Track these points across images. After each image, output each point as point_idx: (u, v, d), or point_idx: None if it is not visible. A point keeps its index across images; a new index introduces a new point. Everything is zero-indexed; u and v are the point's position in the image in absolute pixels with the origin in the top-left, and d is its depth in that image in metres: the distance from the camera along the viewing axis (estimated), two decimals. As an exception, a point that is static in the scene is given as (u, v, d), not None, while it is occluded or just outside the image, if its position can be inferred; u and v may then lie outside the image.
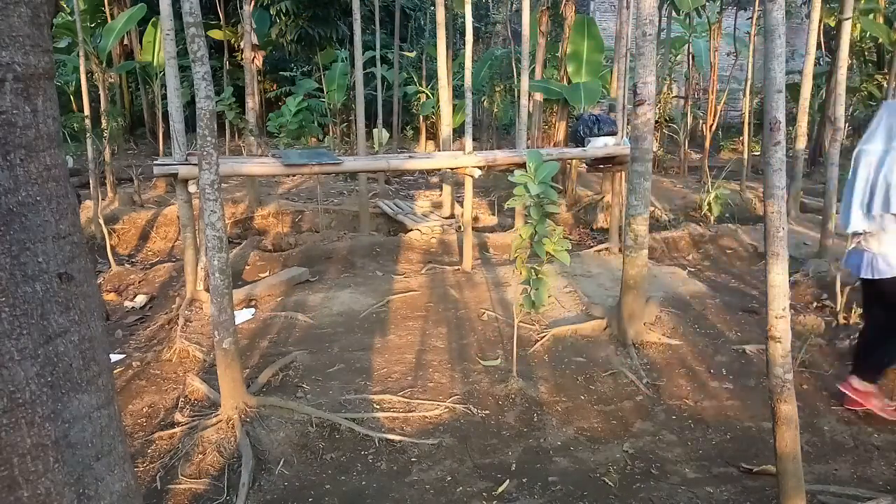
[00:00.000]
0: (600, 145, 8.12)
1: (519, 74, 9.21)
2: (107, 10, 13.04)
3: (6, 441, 1.68)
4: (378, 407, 4.61)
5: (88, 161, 9.06)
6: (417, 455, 4.10)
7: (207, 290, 5.70)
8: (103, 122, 9.93)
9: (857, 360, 4.68)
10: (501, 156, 7.91)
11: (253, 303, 6.70)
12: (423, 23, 21.00)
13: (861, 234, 4.36)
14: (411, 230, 9.41)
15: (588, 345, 5.60)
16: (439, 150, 10.50)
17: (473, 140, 8.32)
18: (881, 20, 12.09)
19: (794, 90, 11.89)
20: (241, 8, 10.88)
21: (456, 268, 7.64)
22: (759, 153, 14.00)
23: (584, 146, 8.20)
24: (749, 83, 12.14)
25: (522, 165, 5.77)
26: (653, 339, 5.63)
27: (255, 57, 10.53)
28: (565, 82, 10.81)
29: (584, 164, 10.50)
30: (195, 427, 4.22)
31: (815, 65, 10.90)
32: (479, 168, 7.35)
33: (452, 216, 10.21)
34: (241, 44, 11.66)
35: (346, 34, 17.22)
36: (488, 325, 6.05)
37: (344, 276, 7.64)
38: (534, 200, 4.51)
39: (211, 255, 4.15)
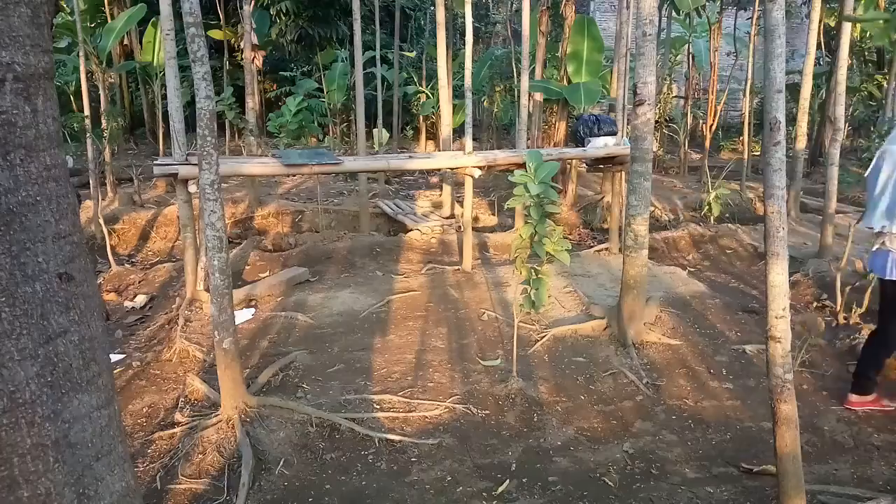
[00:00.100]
0: (600, 145, 8.13)
1: (519, 74, 9.21)
2: (107, 10, 13.04)
3: (6, 441, 1.68)
4: (378, 407, 4.61)
5: (88, 161, 9.06)
6: (417, 455, 4.10)
7: (207, 290, 5.70)
8: (103, 122, 9.92)
9: (856, 371, 4.68)
10: (501, 156, 7.91)
11: (253, 303, 6.70)
12: (423, 23, 21.00)
13: (885, 234, 4.34)
14: (411, 230, 9.41)
15: (588, 345, 5.60)
16: (439, 150, 10.51)
17: (473, 140, 8.33)
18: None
19: (794, 90, 11.89)
20: (241, 8, 10.88)
21: (456, 268, 7.64)
22: (759, 153, 14.00)
23: (584, 146, 8.20)
24: (749, 83, 12.14)
25: (522, 165, 5.77)
26: (653, 339, 5.63)
27: (255, 57, 10.54)
28: (565, 82, 10.81)
29: (584, 164, 10.51)
30: (195, 427, 4.22)
31: (815, 65, 10.90)
32: (479, 168, 7.35)
33: (452, 216, 10.21)
34: (241, 44, 11.68)
35: (346, 34, 17.22)
36: (488, 325, 6.05)
37: (344, 276, 7.64)
38: (534, 200, 4.51)
39: (211, 255, 4.15)
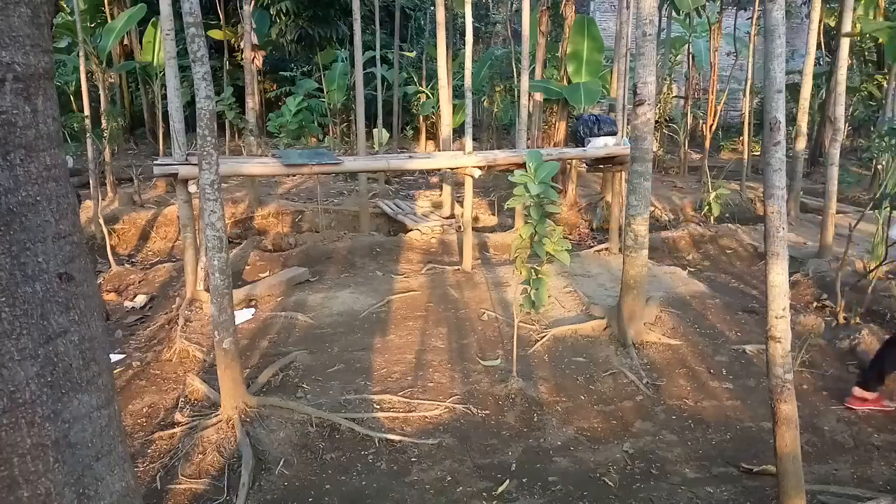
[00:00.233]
0: (600, 145, 8.13)
1: (519, 74, 9.21)
2: (107, 10, 13.04)
3: (6, 441, 1.68)
4: (378, 407, 4.61)
5: (88, 161, 9.06)
6: (417, 455, 4.10)
7: (207, 290, 5.70)
8: (103, 122, 9.92)
9: (869, 366, 4.68)
10: (501, 156, 7.91)
11: (253, 303, 6.70)
12: (423, 23, 21.00)
13: None
14: (411, 230, 9.41)
15: (588, 345, 5.60)
16: (439, 150, 10.51)
17: (473, 140, 8.33)
18: (881, 19, 12.08)
19: (794, 90, 11.89)
20: (241, 8, 10.88)
21: (456, 268, 7.64)
22: (759, 153, 14.00)
23: (584, 146, 8.20)
24: (749, 83, 12.15)
25: (522, 165, 5.77)
26: (653, 339, 5.63)
27: (255, 57, 10.54)
28: (565, 82, 10.81)
29: (584, 164, 10.51)
30: (195, 427, 4.22)
31: (815, 65, 10.90)
32: (479, 168, 7.35)
33: (452, 216, 10.21)
34: (241, 44, 11.67)
35: (346, 34, 17.22)
36: (488, 325, 6.05)
37: (344, 276, 7.64)
38: (534, 200, 4.51)
39: (211, 255, 4.15)
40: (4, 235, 1.65)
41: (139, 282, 7.47)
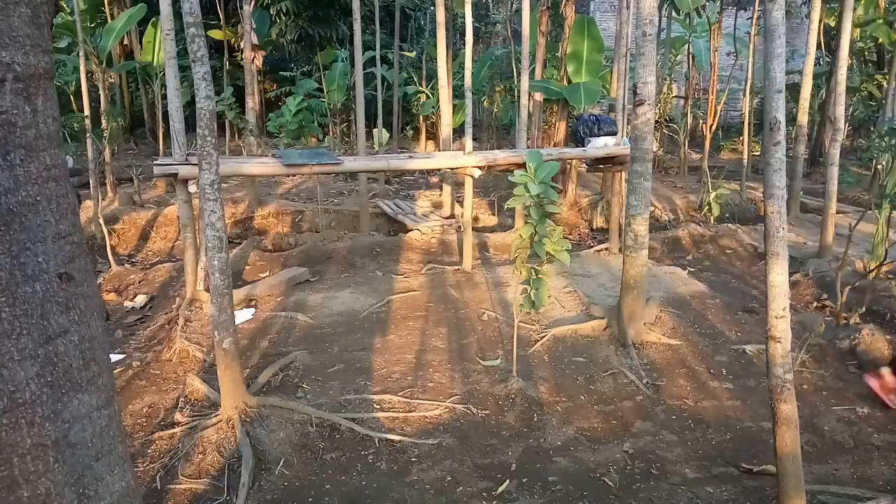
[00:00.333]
0: (600, 145, 8.13)
1: (519, 74, 9.21)
2: (107, 10, 13.04)
3: (6, 441, 1.68)
4: (378, 407, 4.61)
5: (88, 161, 9.06)
6: (417, 455, 4.10)
7: (207, 290, 5.70)
8: (103, 122, 9.93)
9: None
10: (501, 156, 7.91)
11: (253, 303, 6.70)
12: (423, 23, 20.99)
13: None
14: (411, 230, 9.41)
15: (588, 345, 5.60)
16: (439, 150, 10.51)
17: (473, 140, 8.33)
18: (880, 20, 12.09)
19: (794, 90, 11.89)
20: (241, 8, 10.88)
21: (456, 268, 7.64)
22: (759, 153, 14.00)
23: (584, 146, 8.20)
24: (749, 83, 12.15)
25: (522, 165, 5.77)
26: (653, 339, 5.63)
27: (255, 57, 10.53)
28: (565, 82, 10.81)
29: (584, 164, 10.50)
30: (195, 427, 4.22)
31: (815, 65, 10.90)
32: (479, 168, 7.35)
33: (452, 216, 10.21)
34: (241, 44, 11.67)
35: (346, 34, 17.21)
36: (488, 325, 6.05)
37: (344, 276, 7.64)
38: (534, 200, 4.51)
39: (211, 255, 4.15)
40: (4, 235, 1.65)
41: (139, 282, 7.47)
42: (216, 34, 14.35)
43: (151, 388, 4.95)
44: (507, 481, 3.86)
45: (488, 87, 16.30)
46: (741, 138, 13.82)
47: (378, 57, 13.87)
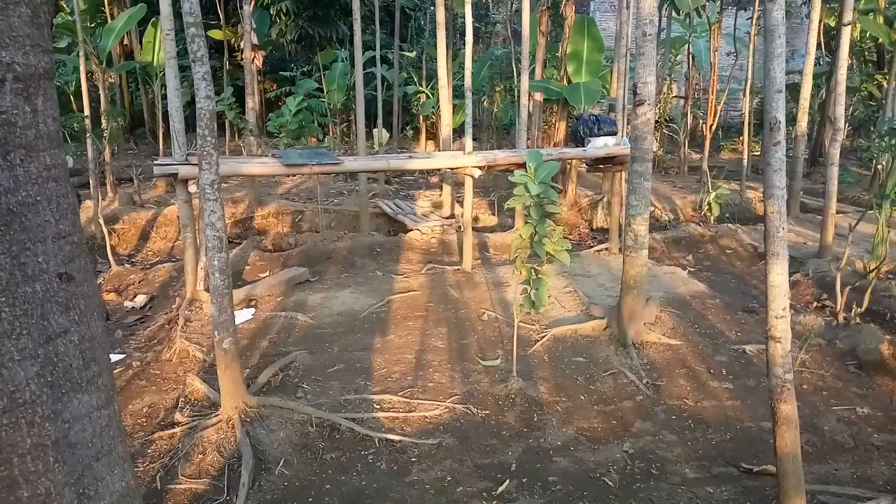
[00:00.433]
0: (600, 145, 8.13)
1: (519, 74, 9.21)
2: (107, 10, 13.04)
3: (6, 441, 1.68)
4: (378, 407, 4.61)
5: (88, 161, 9.06)
6: (417, 455, 4.10)
7: (207, 290, 5.70)
8: (103, 122, 9.92)
9: None
10: (501, 156, 7.91)
11: (253, 303, 6.70)
12: (423, 23, 20.98)
13: None
14: (411, 230, 9.41)
15: (588, 345, 5.60)
16: (439, 150, 10.51)
17: (473, 140, 8.33)
18: (881, 20, 12.08)
19: (794, 90, 11.89)
20: (241, 8, 10.88)
21: (456, 268, 7.64)
22: (759, 153, 13.99)
23: (584, 146, 8.20)
24: (749, 83, 12.14)
25: (522, 165, 5.77)
26: (653, 339, 5.63)
27: (255, 57, 10.53)
28: (565, 82, 10.81)
29: (584, 164, 10.50)
30: (195, 427, 4.22)
31: (815, 65, 10.90)
32: (479, 168, 7.35)
33: (452, 216, 10.21)
34: (241, 44, 11.67)
35: (346, 34, 17.21)
36: (488, 325, 6.05)
37: (344, 276, 7.64)
38: (534, 200, 4.51)
39: (211, 255, 4.15)
40: (4, 235, 1.65)
41: (139, 282, 7.47)
42: (216, 34, 14.35)
43: (151, 388, 4.95)
44: (507, 481, 3.86)
45: (488, 87, 16.30)
46: (741, 138, 13.82)
47: (378, 57, 13.87)
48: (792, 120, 10.17)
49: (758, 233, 9.33)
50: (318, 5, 16.86)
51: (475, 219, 10.18)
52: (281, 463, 3.94)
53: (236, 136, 15.30)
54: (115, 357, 5.52)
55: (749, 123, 12.60)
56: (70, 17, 13.08)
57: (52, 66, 1.81)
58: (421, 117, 16.76)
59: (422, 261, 8.26)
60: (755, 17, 12.16)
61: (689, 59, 14.88)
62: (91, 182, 8.94)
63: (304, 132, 9.89)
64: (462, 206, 8.24)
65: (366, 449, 4.14)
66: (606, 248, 8.57)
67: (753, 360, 5.36)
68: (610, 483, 3.84)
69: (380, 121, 13.73)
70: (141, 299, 6.97)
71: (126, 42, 15.13)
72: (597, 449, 4.22)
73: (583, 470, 3.99)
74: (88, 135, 8.98)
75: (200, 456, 3.95)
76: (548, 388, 4.91)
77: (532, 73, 10.44)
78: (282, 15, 16.60)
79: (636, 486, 3.82)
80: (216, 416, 4.26)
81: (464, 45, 7.76)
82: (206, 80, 3.98)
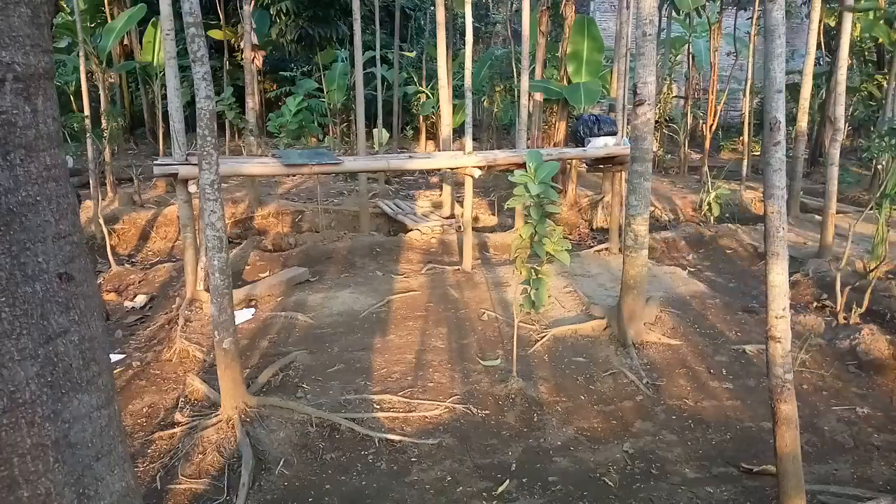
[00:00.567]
0: (600, 145, 8.13)
1: (519, 74, 9.21)
2: (107, 10, 13.04)
3: (6, 441, 1.68)
4: (378, 407, 4.61)
5: (88, 161, 9.06)
6: (417, 455, 4.10)
7: (207, 290, 5.70)
8: (103, 122, 9.92)
9: None
10: (501, 156, 7.91)
11: (253, 303, 6.70)
12: (423, 23, 20.98)
13: None
14: (411, 230, 9.41)
15: (588, 345, 5.60)
16: (439, 150, 10.50)
17: (473, 140, 8.33)
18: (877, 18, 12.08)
19: (794, 90, 11.88)
20: (241, 8, 10.88)
21: (456, 268, 7.64)
22: (759, 153, 13.99)
23: (584, 146, 8.20)
24: (749, 83, 12.14)
25: (522, 165, 5.77)
26: (653, 339, 5.63)
27: (255, 57, 10.53)
28: (565, 82, 10.81)
29: (584, 164, 10.51)
30: (195, 427, 4.22)
31: (815, 65, 10.90)
32: (479, 168, 7.35)
33: (452, 216, 10.21)
34: (241, 44, 11.67)
35: (346, 34, 17.21)
36: (488, 325, 6.05)
37: (344, 276, 7.64)
38: (534, 200, 4.51)
39: (211, 255, 4.15)
40: (4, 235, 1.65)
41: (139, 282, 7.47)
42: (216, 34, 14.35)
43: (151, 388, 4.95)
44: (507, 481, 3.86)
45: (488, 87, 16.30)
46: (741, 138, 13.82)
47: (378, 57, 13.87)
48: (792, 120, 10.17)
49: (758, 233, 9.33)
50: (318, 5, 16.86)
51: (475, 219, 10.18)
52: (281, 463, 3.94)
53: (236, 136, 15.30)
54: (115, 357, 5.52)
55: (749, 123, 12.60)
56: (70, 17, 13.08)
57: (52, 66, 1.81)
58: (421, 117, 16.76)
59: (422, 261, 8.26)
60: (755, 17, 12.16)
61: (689, 59, 14.89)
62: (91, 182, 8.94)
63: (304, 132, 9.89)
64: (462, 206, 8.25)
65: (366, 449, 4.14)
66: (606, 248, 8.57)
67: (753, 360, 5.36)
68: (610, 483, 3.84)
69: (380, 121, 13.74)
70: (141, 299, 6.97)
71: (126, 42, 15.13)
72: (597, 449, 4.22)
73: (583, 470, 3.99)
74: (88, 135, 8.98)
75: (200, 456, 3.95)
76: (548, 388, 4.92)
77: (532, 73, 10.44)
78: (282, 15, 16.60)
79: (636, 486, 3.82)
80: (216, 416, 4.27)
81: (464, 45, 7.76)
82: (206, 80, 3.98)
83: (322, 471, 3.93)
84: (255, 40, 10.83)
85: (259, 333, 5.91)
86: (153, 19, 12.03)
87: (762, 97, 3.94)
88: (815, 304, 6.53)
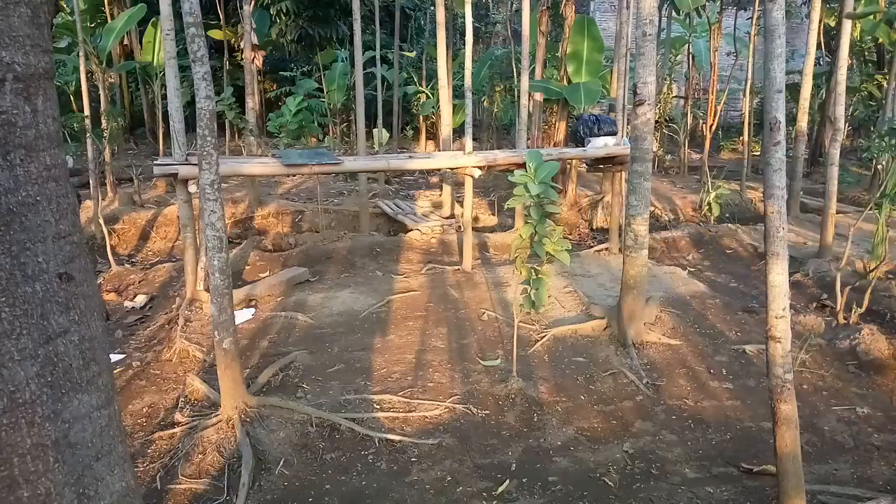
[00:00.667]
0: (600, 145, 8.13)
1: (519, 74, 9.21)
2: (107, 10, 13.04)
3: (6, 441, 1.68)
4: (378, 407, 4.61)
5: (88, 161, 9.06)
6: (417, 455, 4.10)
7: (207, 290, 5.70)
8: (103, 122, 9.92)
9: None
10: (501, 156, 7.91)
11: (253, 303, 6.70)
12: (423, 23, 20.98)
13: None
14: (411, 230, 9.41)
15: (588, 345, 5.60)
16: (439, 150, 10.50)
17: (473, 140, 8.33)
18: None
19: (794, 90, 11.88)
20: (241, 8, 10.88)
21: (456, 268, 7.64)
22: (759, 153, 13.99)
23: (584, 146, 8.20)
24: (749, 83, 12.14)
25: (522, 165, 5.77)
26: (653, 339, 5.63)
27: (255, 57, 10.53)
28: (565, 82, 10.81)
29: (584, 164, 10.50)
30: (195, 427, 4.22)
31: (815, 65, 10.90)
32: (479, 168, 7.35)
33: (452, 216, 10.21)
34: (241, 44, 11.67)
35: (346, 34, 17.21)
36: (488, 325, 6.05)
37: (344, 276, 7.64)
38: (534, 200, 4.51)
39: (211, 255, 4.15)
40: (4, 235, 1.65)
41: (139, 282, 7.47)
42: (216, 34, 14.34)
43: (151, 388, 4.95)
44: (507, 481, 3.86)
45: (488, 87, 16.30)
46: (741, 138, 13.81)
47: (378, 57, 13.87)
48: (792, 120, 10.17)
49: (758, 233, 9.33)
50: (318, 5, 16.86)
51: (475, 219, 10.18)
52: (281, 463, 3.94)
53: (236, 136, 15.30)
54: (115, 357, 5.52)
55: (749, 123, 12.60)
56: (70, 17, 13.08)
57: (52, 66, 1.81)
58: (421, 117, 16.77)
59: (422, 261, 8.26)
60: (755, 17, 12.15)
61: (689, 59, 14.89)
62: (91, 182, 8.94)
63: (304, 132, 9.89)
64: (462, 206, 8.25)
65: (366, 449, 4.14)
66: (606, 248, 8.57)
67: (753, 360, 5.36)
68: (610, 483, 3.84)
69: (380, 121, 13.74)
70: (141, 299, 6.97)
71: (126, 42, 15.13)
72: (597, 449, 4.22)
73: (583, 470, 3.99)
74: (88, 135, 8.98)
75: (200, 456, 3.95)
76: (548, 388, 4.92)
77: (532, 73, 10.45)
78: (282, 15, 16.60)
79: (636, 486, 3.82)
80: (216, 416, 4.27)
81: (464, 45, 7.76)
82: (206, 80, 3.98)
83: (322, 471, 3.93)
84: (255, 40, 10.83)
85: (259, 333, 5.91)
86: (153, 19, 12.03)
87: (762, 97, 3.94)
88: (815, 304, 6.54)
